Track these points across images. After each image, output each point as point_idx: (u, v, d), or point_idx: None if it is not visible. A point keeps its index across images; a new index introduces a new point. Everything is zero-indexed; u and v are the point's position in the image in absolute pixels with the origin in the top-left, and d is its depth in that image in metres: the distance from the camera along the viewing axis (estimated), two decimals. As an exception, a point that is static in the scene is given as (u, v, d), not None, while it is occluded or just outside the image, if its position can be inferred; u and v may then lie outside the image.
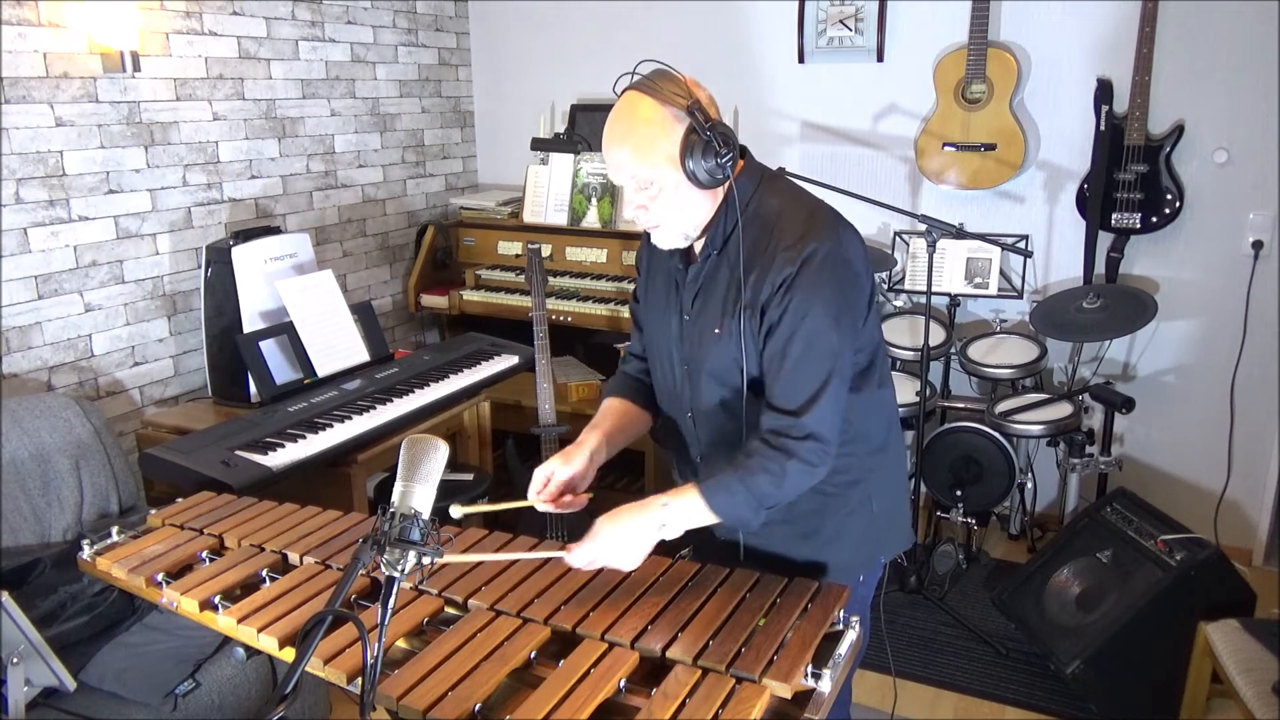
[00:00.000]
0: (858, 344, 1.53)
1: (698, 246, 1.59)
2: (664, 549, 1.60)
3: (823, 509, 1.60)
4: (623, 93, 1.51)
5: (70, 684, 1.92)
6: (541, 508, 1.61)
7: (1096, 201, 3.28)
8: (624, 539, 1.46)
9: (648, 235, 1.74)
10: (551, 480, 1.59)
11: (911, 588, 3.18)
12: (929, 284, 3.07)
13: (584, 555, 1.46)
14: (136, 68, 2.74)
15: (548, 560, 1.60)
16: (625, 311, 3.45)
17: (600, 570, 1.54)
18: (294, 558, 1.69)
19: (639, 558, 1.47)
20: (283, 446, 2.40)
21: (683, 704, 1.23)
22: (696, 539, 1.59)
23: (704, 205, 1.52)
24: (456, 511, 1.59)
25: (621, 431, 1.73)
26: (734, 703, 1.23)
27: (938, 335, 3.41)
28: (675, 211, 1.51)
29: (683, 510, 1.47)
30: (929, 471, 3.35)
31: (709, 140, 1.45)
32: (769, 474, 1.44)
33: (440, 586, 1.54)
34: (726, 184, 1.51)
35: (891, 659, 2.82)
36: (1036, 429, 3.19)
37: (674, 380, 1.66)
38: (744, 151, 1.54)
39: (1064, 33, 3.33)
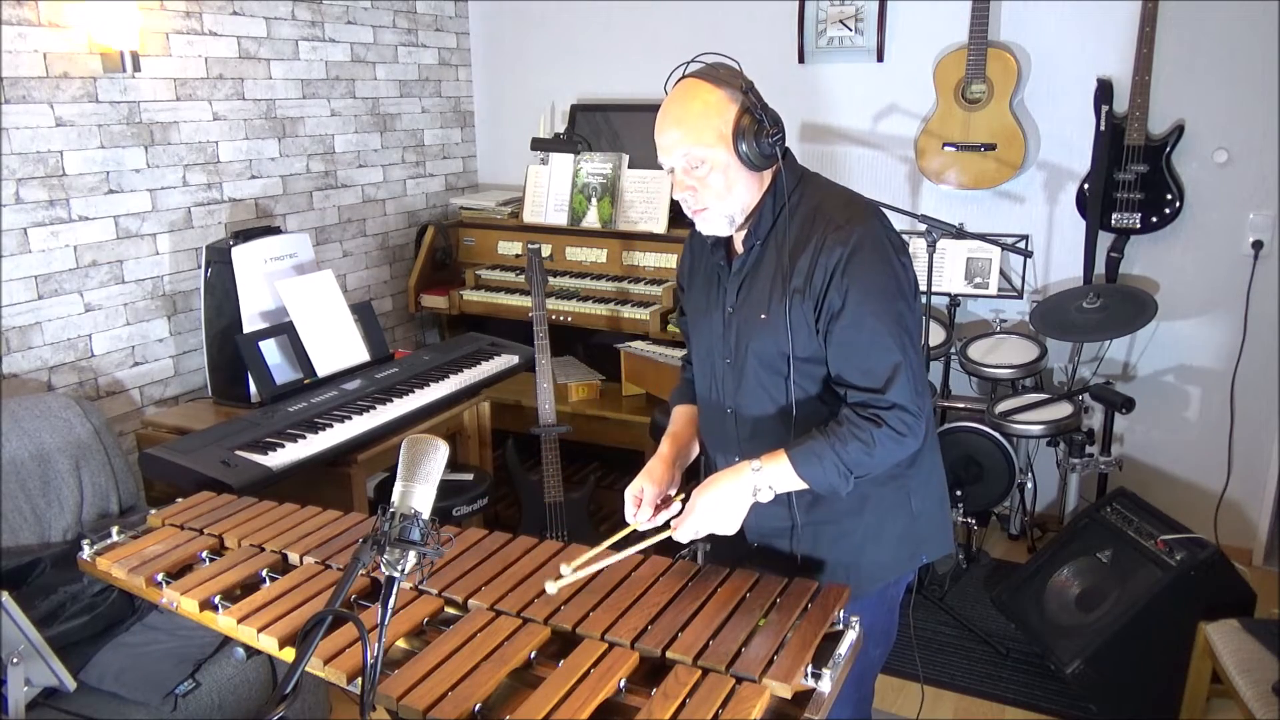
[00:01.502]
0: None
1: (737, 240, 1.61)
2: (666, 549, 1.60)
3: (861, 508, 1.60)
4: (677, 82, 1.53)
5: (70, 684, 1.92)
6: (644, 529, 1.62)
7: (1096, 201, 3.28)
8: (721, 504, 1.51)
9: (685, 251, 1.78)
10: (644, 499, 1.62)
11: (911, 587, 3.18)
12: (929, 284, 3.07)
13: (688, 528, 1.51)
14: (136, 68, 2.74)
15: (551, 558, 1.60)
16: (625, 311, 3.45)
17: (600, 570, 1.54)
18: (294, 558, 1.69)
19: (738, 521, 1.52)
20: (283, 446, 2.40)
21: (683, 704, 1.23)
22: (719, 540, 1.60)
23: (751, 189, 1.55)
24: (566, 569, 1.53)
25: (694, 434, 1.78)
26: (734, 703, 1.23)
27: (938, 335, 3.41)
28: (724, 193, 1.52)
29: (773, 475, 1.50)
30: (929, 471, 3.35)
31: (761, 121, 1.48)
32: (860, 441, 1.47)
33: (440, 586, 1.54)
34: (773, 171, 1.55)
35: (920, 664, 2.80)
36: (1036, 429, 3.19)
37: (716, 378, 1.67)
38: (785, 151, 1.56)
39: (1064, 33, 3.33)
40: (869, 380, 1.49)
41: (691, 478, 1.72)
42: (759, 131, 1.48)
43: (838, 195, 1.58)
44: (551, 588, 1.48)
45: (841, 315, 1.49)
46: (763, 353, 1.57)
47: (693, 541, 1.57)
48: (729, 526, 1.52)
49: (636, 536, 1.59)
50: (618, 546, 1.58)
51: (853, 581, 1.55)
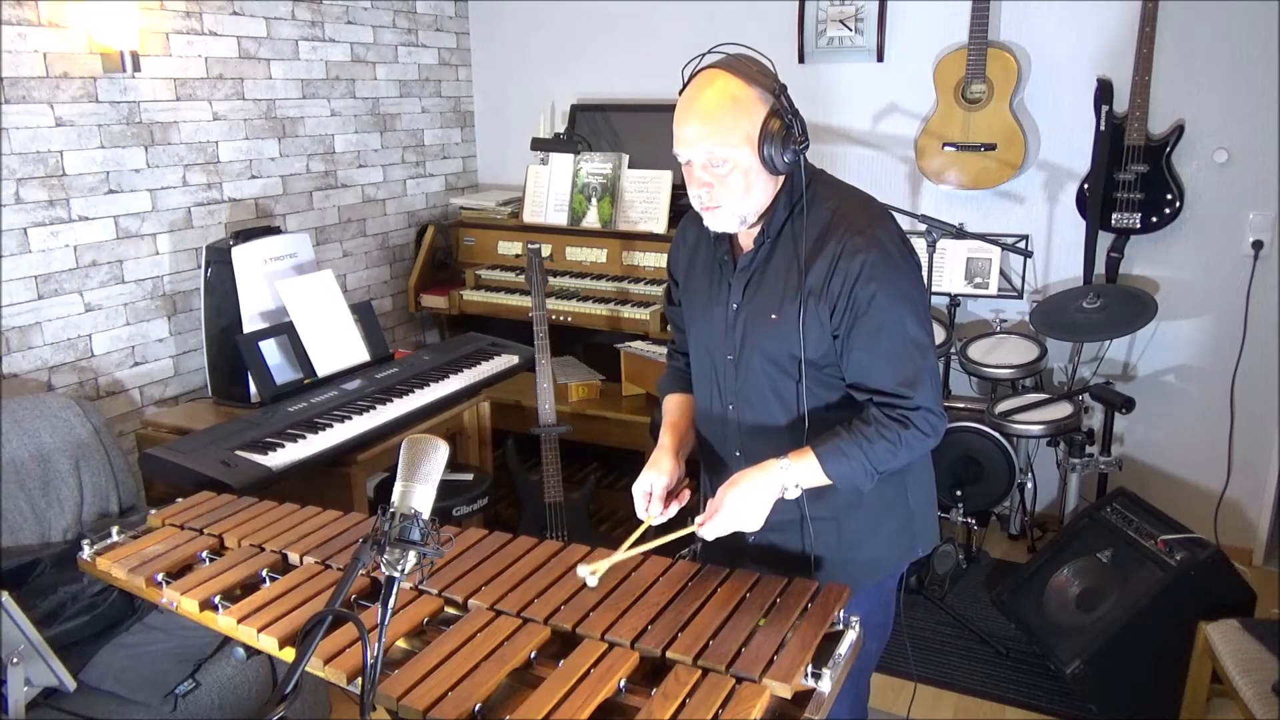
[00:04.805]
0: None
1: (745, 236, 1.59)
2: (666, 549, 1.60)
3: (859, 503, 1.60)
4: (701, 70, 1.49)
5: (70, 684, 1.92)
6: (657, 523, 1.63)
7: (1096, 201, 3.28)
8: (748, 501, 1.50)
9: (678, 240, 1.76)
10: (654, 493, 1.62)
11: (911, 588, 3.18)
12: (929, 284, 3.07)
13: (716, 526, 1.51)
14: (136, 68, 2.74)
15: (551, 558, 1.60)
16: (625, 311, 3.45)
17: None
18: (294, 558, 1.69)
19: (762, 518, 1.52)
20: (283, 446, 2.40)
21: (683, 704, 1.23)
22: (711, 545, 1.60)
23: (767, 190, 1.53)
24: (584, 570, 1.52)
25: (691, 423, 1.77)
26: (734, 703, 1.23)
27: (938, 335, 3.40)
28: (741, 194, 1.50)
29: (800, 472, 1.50)
30: (929, 471, 3.35)
31: (790, 126, 1.46)
32: (888, 441, 1.48)
33: (440, 586, 1.54)
34: (789, 172, 1.53)
35: (912, 661, 2.80)
36: (1036, 429, 3.19)
37: (717, 374, 1.66)
38: None
39: (1064, 33, 3.33)
40: (896, 386, 1.49)
41: (690, 475, 1.71)
42: (787, 137, 1.45)
43: (854, 198, 1.57)
44: (592, 580, 1.48)
45: (866, 321, 1.48)
46: (771, 353, 1.56)
47: (695, 539, 1.57)
48: (754, 523, 1.51)
49: (654, 533, 1.58)
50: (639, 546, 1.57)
51: (850, 577, 1.56)
